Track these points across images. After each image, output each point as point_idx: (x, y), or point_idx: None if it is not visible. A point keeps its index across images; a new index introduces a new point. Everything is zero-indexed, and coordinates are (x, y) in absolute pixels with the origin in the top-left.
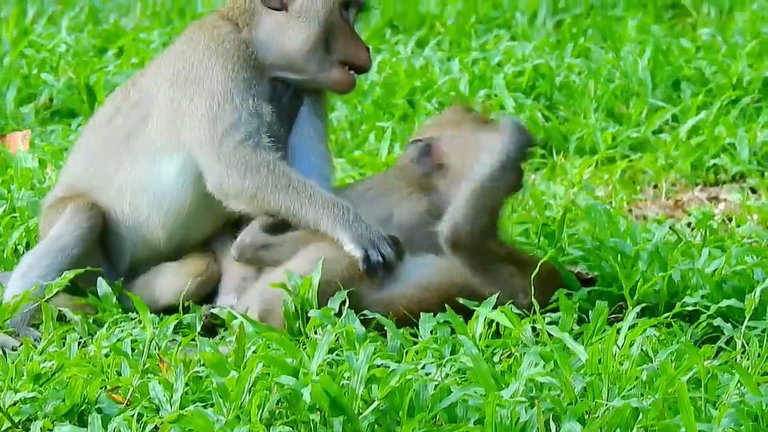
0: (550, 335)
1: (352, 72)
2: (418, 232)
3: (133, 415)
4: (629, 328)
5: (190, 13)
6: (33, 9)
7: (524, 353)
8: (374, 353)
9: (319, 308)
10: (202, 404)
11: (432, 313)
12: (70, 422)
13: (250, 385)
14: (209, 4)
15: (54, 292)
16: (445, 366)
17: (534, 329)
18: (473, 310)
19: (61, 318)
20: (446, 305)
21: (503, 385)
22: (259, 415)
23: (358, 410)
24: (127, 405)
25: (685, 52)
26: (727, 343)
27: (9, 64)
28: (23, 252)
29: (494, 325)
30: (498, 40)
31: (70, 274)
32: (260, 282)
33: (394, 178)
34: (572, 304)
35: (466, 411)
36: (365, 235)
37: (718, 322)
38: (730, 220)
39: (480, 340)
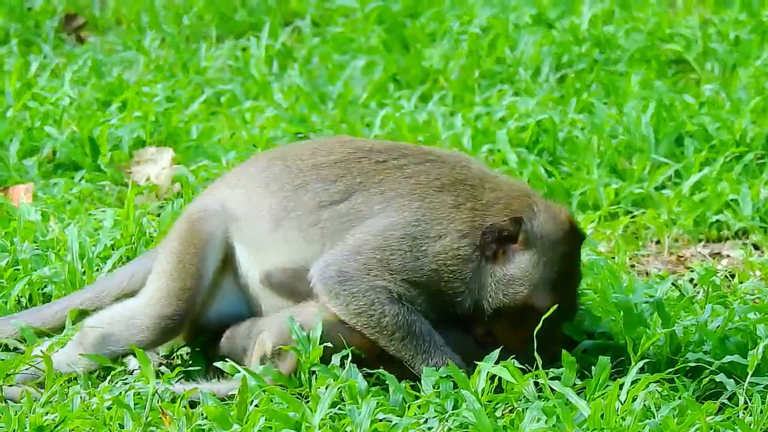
0: (552, 390)
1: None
2: None
3: None
4: (632, 384)
5: (194, 68)
6: (36, 62)
7: (526, 408)
8: (376, 407)
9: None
10: None
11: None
12: None
13: None
14: (211, 58)
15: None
16: (447, 420)
17: (536, 384)
18: None
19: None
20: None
21: None
22: None
23: None
24: None
25: (689, 108)
26: (730, 399)
27: (12, 117)
28: (26, 305)
29: (497, 379)
30: (501, 96)
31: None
32: (282, 314)
33: None
34: (574, 360)
35: None
36: None
37: (720, 378)
38: (733, 276)
39: (482, 394)
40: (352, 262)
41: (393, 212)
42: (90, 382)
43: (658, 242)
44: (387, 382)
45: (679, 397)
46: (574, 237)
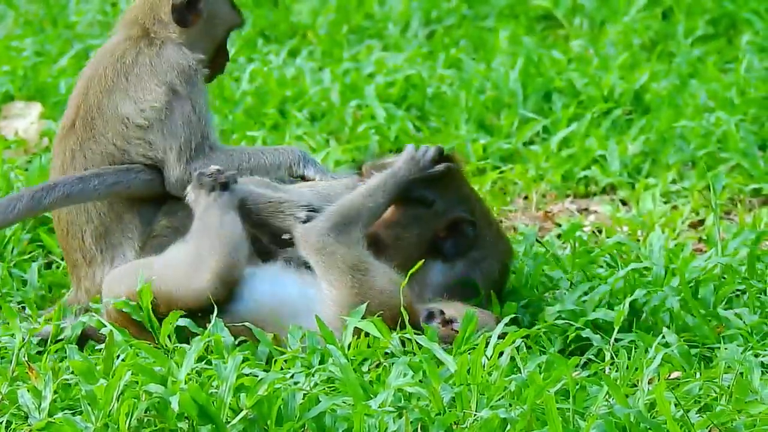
0: (419, 345)
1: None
2: None
3: (1, 423)
4: (498, 339)
5: (63, 22)
6: None
7: (393, 363)
8: (243, 362)
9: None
10: (70, 412)
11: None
12: None
13: (119, 393)
14: (81, 12)
15: None
16: (314, 375)
17: (402, 340)
18: None
19: None
20: (316, 316)
21: (372, 395)
22: (127, 423)
23: (227, 419)
24: None
25: (557, 64)
26: (597, 355)
27: None
28: None
29: (363, 335)
30: (370, 51)
31: None
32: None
33: None
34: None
35: (334, 421)
36: None
37: (587, 333)
38: (600, 231)
39: (349, 350)
40: None
41: None
42: None
43: (526, 198)
44: (255, 335)
45: (546, 353)
46: None
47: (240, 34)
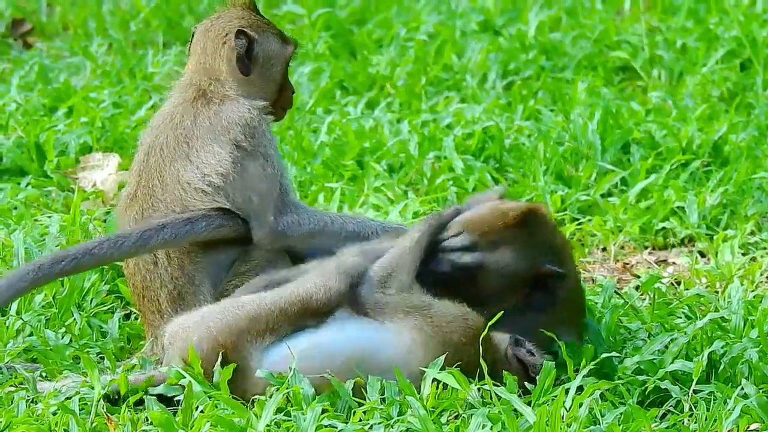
0: (498, 397)
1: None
2: None
3: None
4: (577, 390)
5: (141, 73)
6: None
7: (472, 414)
8: (322, 413)
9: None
10: None
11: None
12: None
13: None
14: (158, 63)
15: None
16: (392, 426)
17: (481, 390)
18: None
19: None
20: (395, 367)
21: None
22: None
23: None
24: None
25: (635, 116)
26: (675, 406)
27: None
28: None
29: (441, 386)
30: (448, 102)
31: None
32: None
33: None
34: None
35: None
36: None
37: (665, 384)
38: (679, 283)
39: (427, 401)
40: None
41: None
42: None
43: (604, 249)
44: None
45: (624, 404)
46: None
47: (318, 85)
